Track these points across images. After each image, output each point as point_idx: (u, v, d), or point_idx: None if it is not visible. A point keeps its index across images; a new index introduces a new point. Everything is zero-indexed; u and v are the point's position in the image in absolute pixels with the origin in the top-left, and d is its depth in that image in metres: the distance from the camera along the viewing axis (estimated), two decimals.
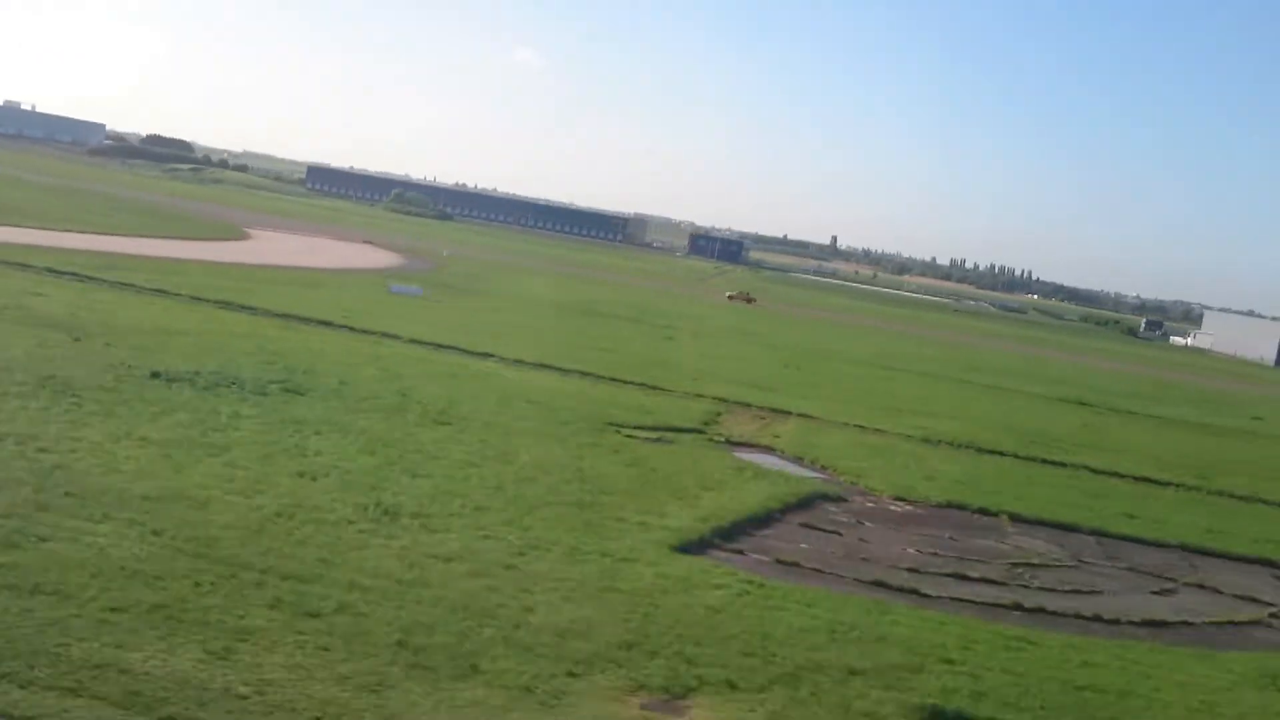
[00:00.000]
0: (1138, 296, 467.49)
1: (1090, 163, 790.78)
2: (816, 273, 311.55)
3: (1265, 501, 40.26)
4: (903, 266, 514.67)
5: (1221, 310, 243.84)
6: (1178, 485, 40.79)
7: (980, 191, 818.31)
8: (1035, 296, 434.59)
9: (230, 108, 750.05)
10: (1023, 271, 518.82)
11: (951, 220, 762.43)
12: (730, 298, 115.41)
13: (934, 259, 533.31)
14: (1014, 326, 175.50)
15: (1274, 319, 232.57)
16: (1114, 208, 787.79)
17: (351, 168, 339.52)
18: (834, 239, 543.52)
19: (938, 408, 51.91)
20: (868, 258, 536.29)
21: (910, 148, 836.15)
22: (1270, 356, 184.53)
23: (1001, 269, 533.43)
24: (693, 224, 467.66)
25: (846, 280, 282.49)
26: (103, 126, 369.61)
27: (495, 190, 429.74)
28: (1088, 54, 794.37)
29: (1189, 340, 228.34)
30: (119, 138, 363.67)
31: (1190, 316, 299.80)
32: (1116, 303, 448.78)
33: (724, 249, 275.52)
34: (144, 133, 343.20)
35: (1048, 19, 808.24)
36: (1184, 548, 30.58)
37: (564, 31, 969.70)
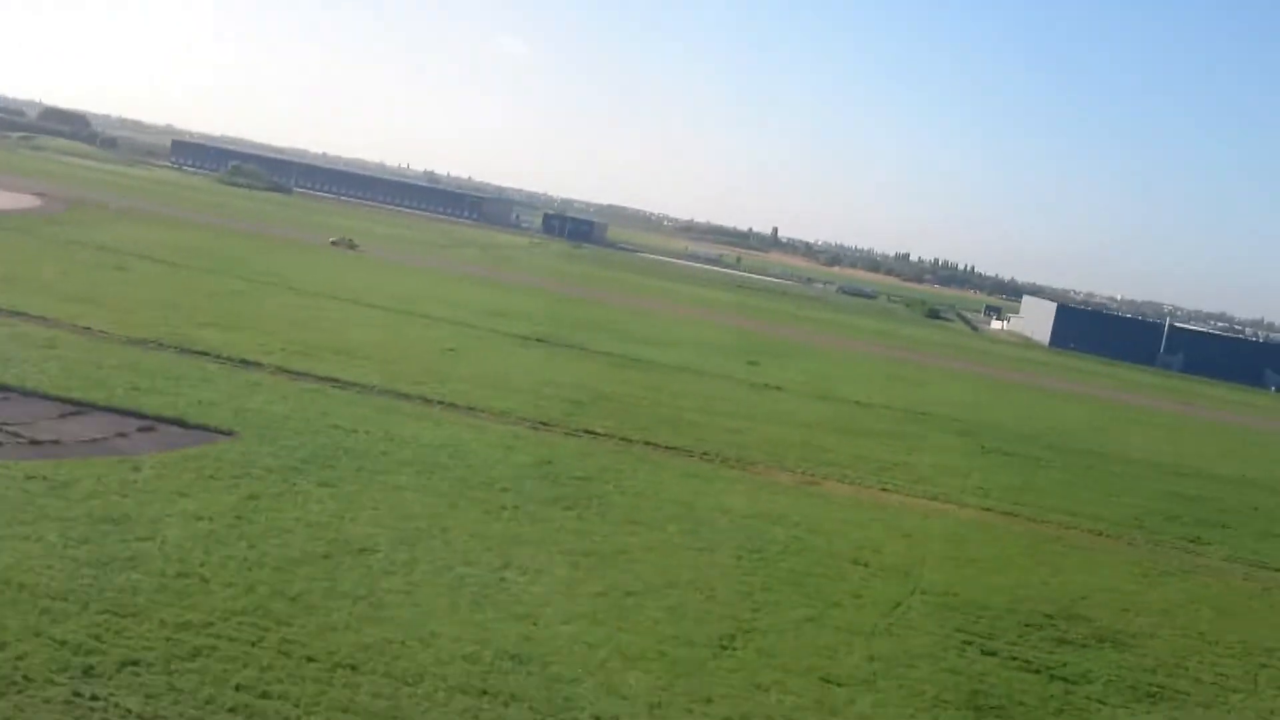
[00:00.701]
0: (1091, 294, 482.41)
1: (1051, 164, 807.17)
2: (689, 258, 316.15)
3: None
4: (835, 258, 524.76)
5: (1035, 294, 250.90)
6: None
7: (941, 191, 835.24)
8: (975, 292, 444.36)
9: (216, 100, 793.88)
10: (966, 266, 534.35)
11: (916, 218, 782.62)
12: (333, 243, 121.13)
13: (900, 254, 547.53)
14: (787, 303, 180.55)
15: (1051, 300, 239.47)
16: (1079, 207, 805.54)
17: (279, 147, 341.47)
18: (774, 230, 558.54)
19: (277, 330, 56.00)
20: (807, 249, 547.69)
21: (882, 146, 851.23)
22: (1045, 337, 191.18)
23: (944, 263, 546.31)
24: (659, 213, 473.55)
25: (696, 262, 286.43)
26: None
27: (472, 178, 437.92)
28: (1073, 48, 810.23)
29: (1004, 324, 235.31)
30: (18, 111, 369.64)
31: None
32: (1049, 297, 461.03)
33: (574, 228, 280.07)
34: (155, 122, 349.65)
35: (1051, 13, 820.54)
36: (103, 408, 35.13)
37: (544, 18, 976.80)
